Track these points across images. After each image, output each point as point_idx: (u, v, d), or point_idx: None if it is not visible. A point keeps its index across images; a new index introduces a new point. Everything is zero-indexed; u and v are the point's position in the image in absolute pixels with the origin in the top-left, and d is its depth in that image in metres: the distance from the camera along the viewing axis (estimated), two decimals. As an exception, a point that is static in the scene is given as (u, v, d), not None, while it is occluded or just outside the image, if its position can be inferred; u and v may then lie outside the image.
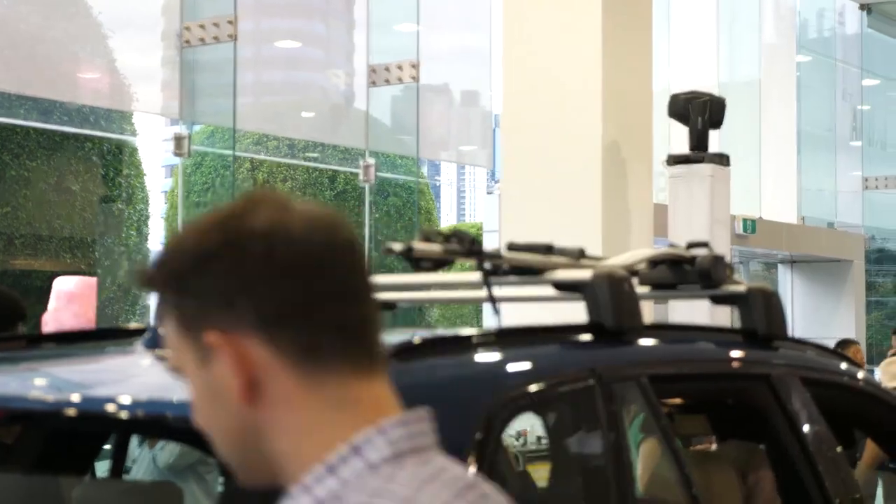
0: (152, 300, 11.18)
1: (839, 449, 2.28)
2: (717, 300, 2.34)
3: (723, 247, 6.26)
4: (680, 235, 6.67)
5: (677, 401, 2.25)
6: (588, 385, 1.75)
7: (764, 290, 2.28)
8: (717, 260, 2.21)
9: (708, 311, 5.82)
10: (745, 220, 9.92)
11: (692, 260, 2.21)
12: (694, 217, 7.10)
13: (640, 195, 6.45)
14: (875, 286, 12.80)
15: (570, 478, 1.84)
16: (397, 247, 1.80)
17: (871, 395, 2.55)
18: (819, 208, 12.24)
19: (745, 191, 10.17)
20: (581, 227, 5.86)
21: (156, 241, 10.20)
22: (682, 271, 2.23)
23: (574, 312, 1.97)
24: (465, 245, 1.86)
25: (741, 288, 2.25)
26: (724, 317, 5.70)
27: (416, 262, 1.83)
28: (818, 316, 10.45)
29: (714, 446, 2.41)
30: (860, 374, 2.59)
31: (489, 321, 9.93)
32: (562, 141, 6.07)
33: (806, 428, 2.17)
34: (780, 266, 11.57)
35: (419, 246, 1.82)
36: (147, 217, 9.64)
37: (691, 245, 2.32)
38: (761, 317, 2.22)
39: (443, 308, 11.43)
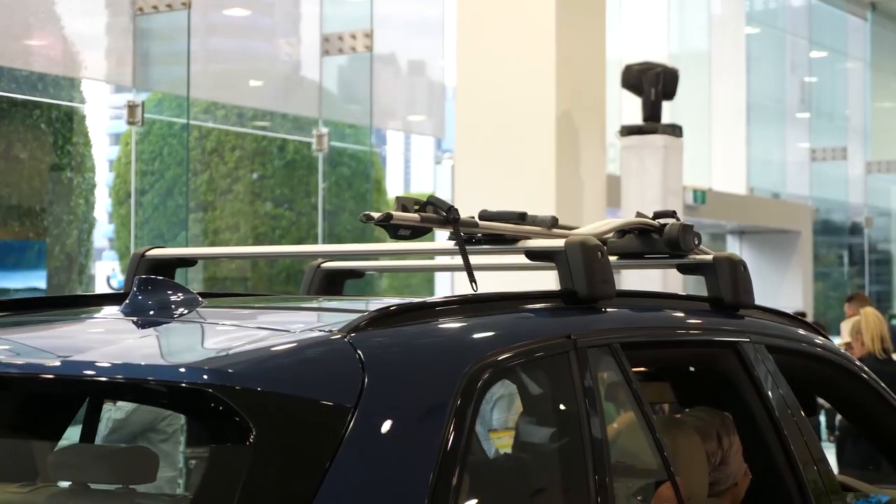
0: (97, 269, 11.11)
1: (803, 414, 2.38)
2: (685, 269, 2.38)
3: (677, 217, 6.46)
4: (632, 206, 6.88)
5: (649, 368, 2.31)
6: (563, 350, 1.79)
7: (731, 258, 2.34)
8: (686, 229, 2.26)
9: (660, 279, 6.06)
10: (695, 191, 10.15)
11: (660, 229, 2.27)
12: (646, 188, 7.27)
13: (593, 165, 6.60)
14: (820, 257, 13.18)
15: (546, 440, 1.89)
16: (376, 215, 1.82)
17: (831, 362, 2.65)
18: (767, 179, 12.56)
19: (694, 162, 10.37)
20: (534, 197, 5.96)
21: (102, 210, 10.12)
22: (650, 240, 2.28)
23: (545, 280, 2.02)
24: (443, 213, 1.88)
25: (708, 257, 2.31)
26: (677, 285, 5.91)
27: (394, 229, 1.84)
28: (766, 287, 10.72)
29: (683, 412, 2.48)
30: (822, 342, 2.68)
31: (441, 290, 10.03)
32: (515, 111, 6.18)
33: (771, 394, 2.24)
34: (728, 237, 11.87)
35: (398, 214, 1.84)
36: (95, 185, 9.56)
37: (659, 214, 2.38)
38: (727, 285, 2.28)
39: (391, 277, 11.52)
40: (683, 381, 2.50)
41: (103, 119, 11.23)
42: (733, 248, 12.00)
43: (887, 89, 14.46)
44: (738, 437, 2.27)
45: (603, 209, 6.91)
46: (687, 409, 2.44)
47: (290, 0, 10.20)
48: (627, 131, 7.49)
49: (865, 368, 2.80)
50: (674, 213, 2.40)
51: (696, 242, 2.33)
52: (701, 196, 10.44)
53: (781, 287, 10.53)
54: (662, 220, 2.29)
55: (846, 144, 14.04)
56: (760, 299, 2.63)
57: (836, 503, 2.34)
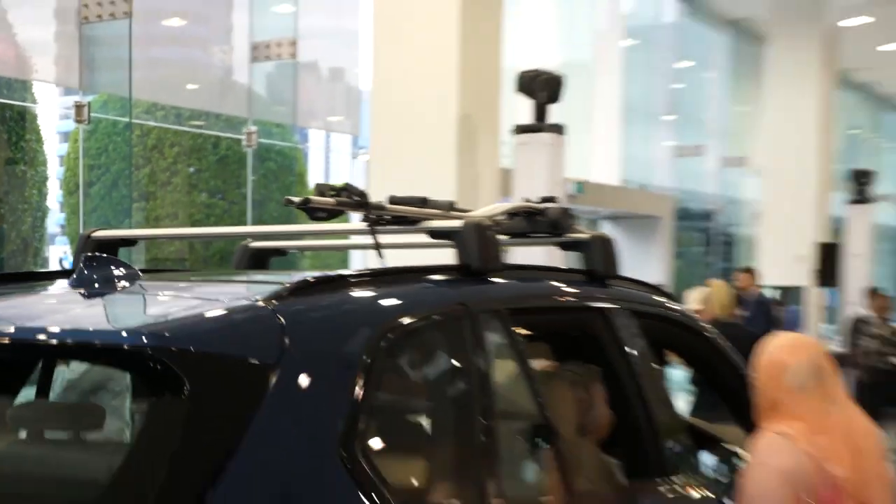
0: (51, 253, 11.00)
1: (657, 366, 2.48)
2: (564, 246, 2.46)
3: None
4: (523, 195, 7.03)
5: (531, 330, 2.35)
6: (458, 316, 1.84)
7: (602, 236, 2.43)
8: (564, 212, 2.34)
9: (544, 255, 6.24)
10: (576, 183, 10.39)
11: (543, 212, 2.35)
12: (535, 179, 7.39)
13: (489, 159, 6.71)
14: (679, 239, 13.70)
15: (443, 391, 1.94)
16: (296, 200, 1.83)
17: (682, 323, 2.76)
18: (637, 173, 12.96)
19: (576, 157, 10.63)
20: (437, 187, 6.02)
21: (54, 200, 10.11)
22: (535, 222, 2.36)
23: (444, 257, 2.06)
24: (355, 198, 1.90)
25: (584, 235, 2.40)
26: (558, 262, 6.15)
27: (312, 212, 1.85)
28: (634, 263, 11.13)
29: (558, 368, 2.53)
30: (675, 306, 2.79)
31: (355, 266, 10.26)
32: (422, 113, 6.24)
33: (631, 350, 2.31)
34: (603, 222, 12.25)
35: (315, 198, 1.86)
36: (47, 178, 9.53)
37: (543, 200, 2.45)
38: (600, 259, 2.36)
39: (312, 256, 11.54)
40: (560, 340, 2.56)
41: (53, 118, 11.24)
42: (607, 230, 12.45)
43: (742, 95, 15.07)
44: (603, 386, 2.34)
45: (497, 197, 7.03)
46: (561, 364, 2.50)
47: (223, 11, 10.45)
48: (519, 130, 7.55)
49: (710, 328, 2.95)
50: (554, 198, 2.47)
51: (573, 223, 2.42)
52: (581, 187, 10.66)
53: (647, 263, 10.90)
54: (545, 205, 2.37)
55: (705, 143, 14.59)
56: (628, 273, 2.72)
57: (678, 437, 2.44)
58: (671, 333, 2.79)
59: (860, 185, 11.40)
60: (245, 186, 10.06)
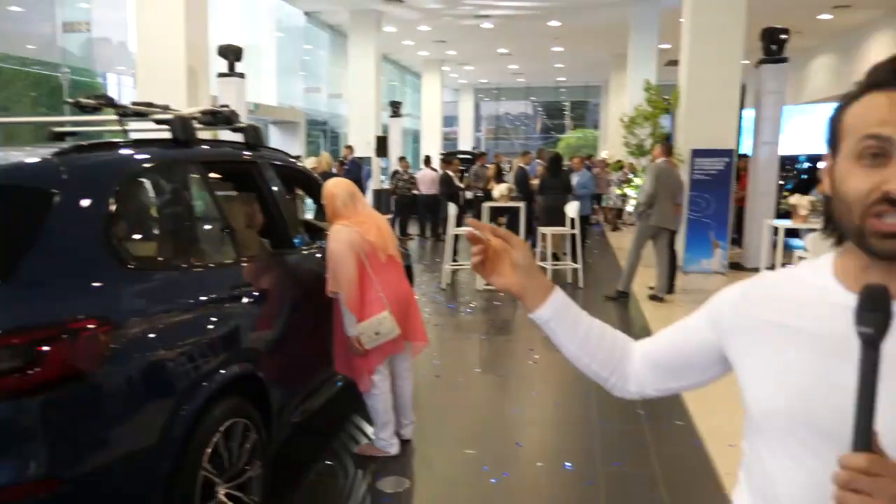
0: None
1: (287, 195, 4.04)
2: (234, 130, 3.81)
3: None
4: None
5: (217, 172, 3.76)
6: (174, 162, 3.03)
7: (253, 126, 3.86)
8: (233, 112, 3.82)
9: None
10: (254, 104, 13.53)
11: (219, 112, 3.84)
12: (227, 101, 10.29)
13: (204, 92, 9.70)
14: (308, 134, 19.30)
15: (170, 206, 3.03)
16: (71, 100, 3.16)
17: (304, 173, 4.38)
18: (287, 100, 18.49)
19: (256, 91, 14.97)
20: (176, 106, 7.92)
21: None
22: (217, 116, 3.83)
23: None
24: (108, 98, 3.32)
25: (242, 124, 3.80)
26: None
27: (83, 108, 3.23)
28: (286, 144, 15.35)
29: (236, 194, 3.81)
30: (300, 164, 4.32)
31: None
32: (164, 64, 9.11)
33: (273, 186, 3.75)
34: (270, 124, 16.18)
35: (83, 100, 3.22)
36: None
37: (221, 106, 3.90)
38: (252, 137, 3.79)
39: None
40: (234, 178, 3.87)
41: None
42: (272, 129, 15.88)
43: (337, 62, 20.64)
44: (259, 203, 3.80)
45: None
46: (236, 193, 3.92)
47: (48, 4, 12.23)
48: (220, 75, 11.06)
49: (315, 175, 4.61)
50: (227, 105, 3.93)
51: (237, 117, 3.91)
52: (256, 106, 13.81)
53: (292, 145, 15.87)
54: (221, 109, 3.83)
55: (321, 86, 21.10)
56: (279, 147, 4.36)
57: (299, 229, 3.92)
58: (295, 178, 4.35)
59: (394, 109, 19.44)
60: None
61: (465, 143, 32.13)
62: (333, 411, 4.59)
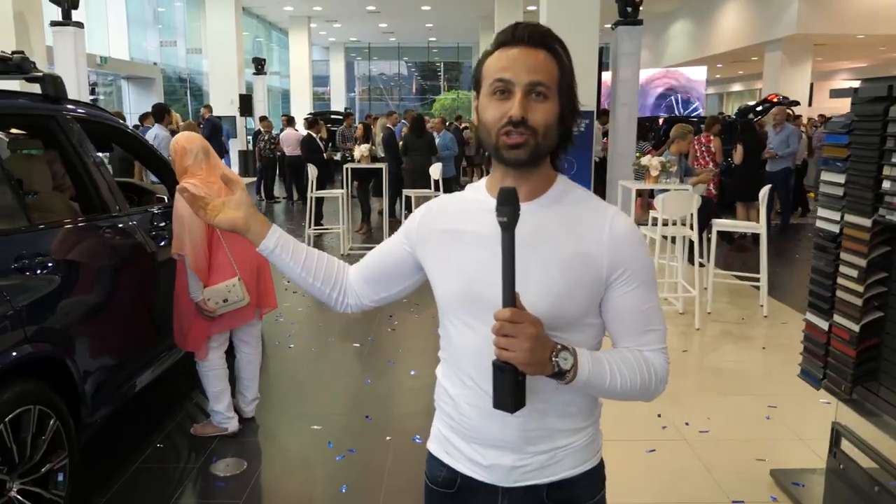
0: None
1: (101, 154, 3.64)
2: (29, 80, 3.38)
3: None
4: (63, 66, 9.96)
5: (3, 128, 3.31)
6: (46, 118, 2.94)
7: (52, 75, 3.37)
8: (26, 58, 3.37)
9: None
10: (102, 57, 12.13)
11: (10, 59, 3.35)
12: (67, 54, 10.05)
13: (39, 43, 9.20)
14: (167, 89, 18.51)
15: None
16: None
17: (116, 126, 3.90)
18: (141, 55, 16.77)
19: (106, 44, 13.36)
20: None
21: None
22: (9, 64, 3.35)
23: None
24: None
25: (40, 73, 3.38)
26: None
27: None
28: (141, 105, 14.72)
29: (34, 152, 3.53)
30: (111, 118, 3.88)
31: None
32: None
33: (78, 139, 3.35)
34: (122, 80, 14.59)
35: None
36: None
37: (12, 52, 3.42)
38: (52, 88, 3.33)
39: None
40: (34, 135, 3.59)
41: None
42: (123, 85, 14.05)
43: (194, 18, 19.61)
44: (61, 162, 3.44)
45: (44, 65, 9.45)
46: (44, 151, 3.54)
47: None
48: (53, 24, 10.00)
49: (131, 129, 4.19)
50: (21, 52, 3.42)
51: (35, 66, 3.43)
52: (105, 59, 12.37)
53: (147, 103, 14.43)
54: (12, 54, 3.34)
55: (178, 39, 20.10)
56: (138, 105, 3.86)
57: (113, 190, 3.52)
58: (107, 132, 3.91)
59: (258, 66, 18.38)
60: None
61: (339, 104, 31.35)
62: (169, 388, 4.23)
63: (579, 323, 1.31)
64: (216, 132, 12.74)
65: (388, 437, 3.75)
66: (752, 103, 12.93)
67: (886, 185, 2.76)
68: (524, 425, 1.30)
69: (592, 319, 1.33)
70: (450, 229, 1.37)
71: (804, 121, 10.87)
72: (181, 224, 3.35)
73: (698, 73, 21.31)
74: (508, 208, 1.12)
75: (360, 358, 5.07)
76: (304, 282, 1.49)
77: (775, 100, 11.27)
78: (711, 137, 8.53)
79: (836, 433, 3.34)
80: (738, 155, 9.06)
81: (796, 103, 11.99)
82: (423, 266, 1.43)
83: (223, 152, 13.67)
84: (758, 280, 6.29)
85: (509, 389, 1.15)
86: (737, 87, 31.43)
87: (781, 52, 15.04)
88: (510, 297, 1.14)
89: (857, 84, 2.99)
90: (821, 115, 13.33)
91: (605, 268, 1.28)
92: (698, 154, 8.47)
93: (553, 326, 1.23)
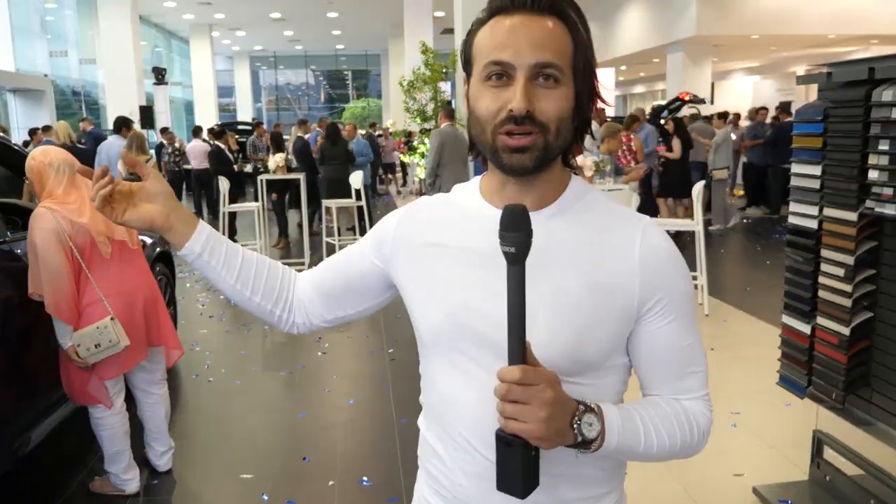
0: None
1: None
2: None
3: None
4: None
5: None
6: None
7: None
8: None
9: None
10: None
11: None
12: None
13: None
14: (58, 104, 16.72)
15: None
16: None
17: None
18: (28, 65, 14.97)
19: None
20: None
21: None
22: None
23: None
24: None
25: None
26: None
27: None
28: (28, 120, 13.18)
29: None
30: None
31: None
32: None
33: None
34: (7, 92, 13.57)
35: None
36: None
37: None
38: None
39: None
40: None
41: None
42: (9, 99, 13.25)
43: (86, 27, 18.47)
44: None
45: None
46: None
47: None
48: None
49: (15, 144, 3.64)
50: None
51: None
52: None
53: (39, 120, 13.71)
54: None
55: (71, 49, 17.98)
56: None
57: None
58: None
59: (158, 76, 17.77)
60: None
61: (245, 114, 30.28)
62: (73, 436, 3.63)
63: (601, 366, 1.01)
64: (93, 148, 11.72)
65: (331, 482, 3.26)
66: (662, 103, 13.06)
67: (874, 174, 2.51)
68: (534, 498, 0.95)
69: (618, 360, 1.03)
70: (436, 242, 1.07)
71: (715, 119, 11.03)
72: (34, 256, 2.77)
73: (606, 77, 21.65)
74: (517, 235, 0.84)
75: (290, 388, 4.54)
76: (240, 296, 1.17)
77: (686, 98, 11.36)
78: (632, 136, 8.42)
79: (819, 442, 3.11)
80: (676, 150, 9.00)
81: (703, 101, 12.16)
82: (398, 285, 1.13)
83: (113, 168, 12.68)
84: (695, 279, 6.14)
85: (519, 469, 0.87)
86: (639, 89, 32.25)
87: (683, 53, 15.35)
88: (519, 349, 0.87)
89: (801, 72, 2.76)
90: (736, 114, 13.62)
91: (636, 296, 0.99)
92: (619, 153, 8.35)
93: (568, 372, 0.95)
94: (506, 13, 0.97)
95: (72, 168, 2.91)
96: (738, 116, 13.71)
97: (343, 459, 3.51)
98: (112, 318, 2.84)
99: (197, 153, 12.10)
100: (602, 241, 1.00)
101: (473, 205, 1.07)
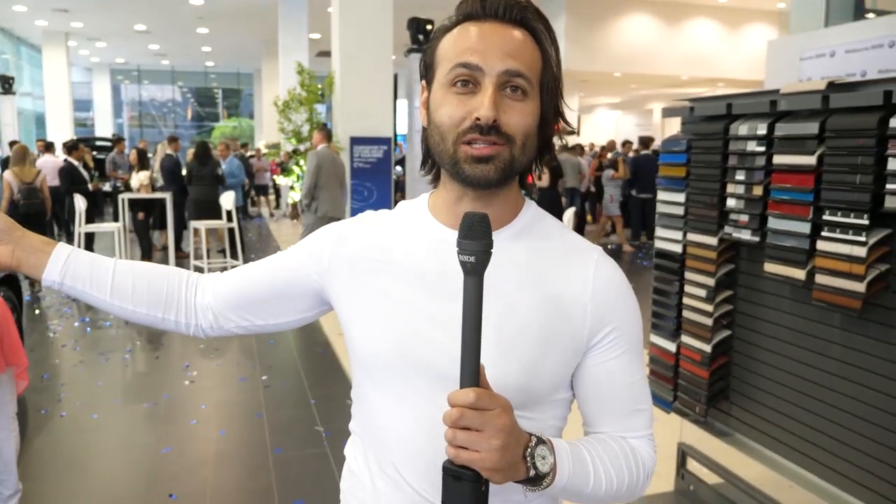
0: None
1: None
2: None
3: None
4: None
5: None
6: None
7: None
8: None
9: None
10: None
11: None
12: None
13: None
14: None
15: None
16: None
17: None
18: None
19: None
20: None
21: None
22: None
23: None
24: None
25: None
26: None
27: None
28: None
29: None
30: None
31: None
32: None
33: None
34: None
35: None
36: None
37: None
38: None
39: None
40: None
41: None
42: None
43: None
44: None
45: None
46: None
47: None
48: None
49: None
50: None
51: None
52: None
53: None
54: None
55: None
56: None
57: None
58: None
59: (5, 85, 17.84)
60: None
61: (105, 130, 28.53)
62: None
63: (547, 399, 0.98)
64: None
65: (201, 520, 3.07)
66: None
67: (731, 202, 2.72)
68: None
69: (563, 394, 1.00)
70: (378, 259, 1.01)
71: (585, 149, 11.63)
72: None
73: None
74: (478, 244, 0.79)
75: (154, 421, 4.26)
76: (122, 311, 1.08)
77: (557, 128, 11.88)
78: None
79: (683, 454, 3.29)
80: (545, 178, 9.34)
81: (574, 132, 12.79)
82: (333, 302, 1.05)
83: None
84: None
85: None
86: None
87: (553, 85, 16.12)
88: (473, 371, 0.79)
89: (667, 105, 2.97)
90: (591, 144, 14.42)
91: (586, 327, 0.96)
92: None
93: (514, 404, 0.86)
94: (475, 20, 0.93)
95: None
96: (603, 149, 14.48)
97: (214, 496, 3.32)
98: None
99: (49, 169, 11.24)
100: (556, 268, 0.97)
101: (420, 222, 1.01)
